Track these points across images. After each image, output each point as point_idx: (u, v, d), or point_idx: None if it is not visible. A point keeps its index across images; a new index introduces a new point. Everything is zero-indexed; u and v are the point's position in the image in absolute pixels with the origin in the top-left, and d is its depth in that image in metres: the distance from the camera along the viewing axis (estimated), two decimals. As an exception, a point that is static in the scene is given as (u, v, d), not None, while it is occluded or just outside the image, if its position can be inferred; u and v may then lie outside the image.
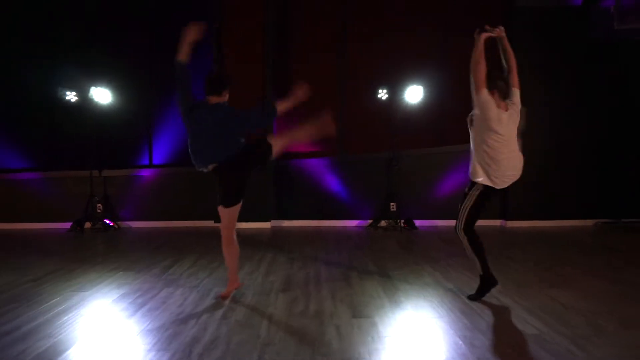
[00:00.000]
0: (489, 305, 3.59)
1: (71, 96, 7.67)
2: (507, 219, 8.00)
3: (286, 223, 8.20)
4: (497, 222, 8.15)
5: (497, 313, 3.43)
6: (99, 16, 8.40)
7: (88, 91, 7.62)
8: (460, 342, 2.88)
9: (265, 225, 7.95)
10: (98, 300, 3.84)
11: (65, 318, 3.34)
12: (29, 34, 8.37)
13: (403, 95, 7.72)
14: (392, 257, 5.45)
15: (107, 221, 7.89)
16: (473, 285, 3.83)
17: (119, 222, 8.10)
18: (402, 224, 7.73)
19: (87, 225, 7.81)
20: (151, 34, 8.48)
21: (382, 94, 7.80)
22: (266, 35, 8.12)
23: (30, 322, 3.25)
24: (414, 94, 7.68)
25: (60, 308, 3.56)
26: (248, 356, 2.68)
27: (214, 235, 7.23)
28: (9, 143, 8.47)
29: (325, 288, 4.14)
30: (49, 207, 8.23)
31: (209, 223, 7.91)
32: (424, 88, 7.69)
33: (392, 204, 7.91)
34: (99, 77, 7.78)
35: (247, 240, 6.62)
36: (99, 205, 8.03)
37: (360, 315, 3.38)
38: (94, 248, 6.42)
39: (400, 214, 7.77)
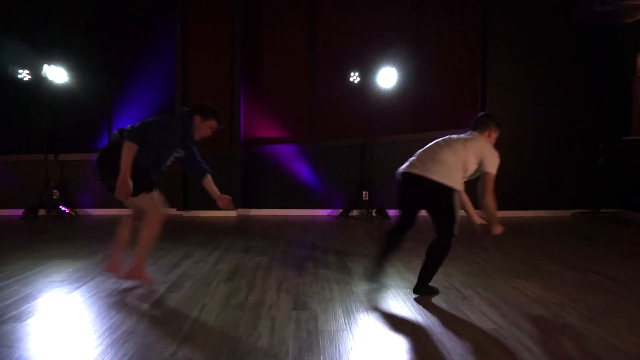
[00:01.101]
0: (448, 298, 3.29)
1: (24, 74, 7.19)
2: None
3: (253, 212, 7.84)
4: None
5: (454, 306, 3.12)
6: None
7: (41, 69, 7.14)
8: (405, 339, 2.56)
9: (231, 214, 7.57)
10: (21, 287, 3.46)
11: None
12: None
13: (376, 78, 7.37)
14: (355, 247, 5.13)
15: (63, 208, 7.46)
16: (435, 278, 3.50)
17: (76, 210, 7.68)
18: (374, 214, 7.42)
19: (42, 212, 7.38)
20: (111, 9, 8.01)
21: (354, 77, 7.46)
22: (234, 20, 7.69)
23: None
24: (387, 78, 7.33)
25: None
26: (160, 353, 2.34)
27: (174, 223, 6.97)
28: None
29: (273, 277, 3.80)
30: (1, 192, 7.77)
31: (171, 211, 7.51)
32: (398, 71, 7.35)
33: (364, 192, 7.60)
34: (53, 55, 7.33)
35: (208, 229, 6.26)
36: (55, 191, 7.59)
37: (301, 308, 3.04)
38: (39, 235, 6.00)
39: (373, 203, 7.46)
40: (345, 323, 2.79)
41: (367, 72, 7.42)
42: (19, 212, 7.36)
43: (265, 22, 8.05)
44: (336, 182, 7.92)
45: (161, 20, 7.95)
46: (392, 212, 7.51)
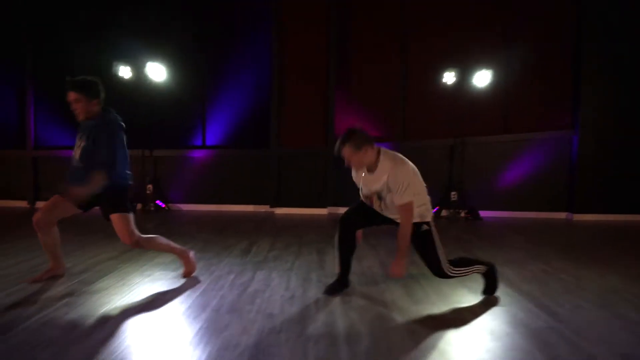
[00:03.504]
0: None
1: (126, 71, 7.37)
2: (574, 212, 7.62)
3: (342, 210, 7.85)
4: (562, 215, 7.78)
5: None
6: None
7: (143, 66, 7.31)
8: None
9: (322, 211, 7.62)
10: (194, 282, 3.55)
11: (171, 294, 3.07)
12: (84, 6, 8.11)
13: (466, 79, 7.32)
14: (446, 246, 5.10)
15: (159, 202, 7.63)
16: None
17: (169, 204, 7.84)
18: (465, 215, 7.38)
19: (138, 206, 7.55)
20: (208, 9, 8.15)
21: (445, 78, 7.40)
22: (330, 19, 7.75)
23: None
24: (478, 79, 7.28)
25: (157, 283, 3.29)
26: (399, 343, 2.37)
27: (274, 220, 7.06)
28: (56, 119, 8.23)
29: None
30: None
31: (264, 207, 7.63)
32: (488, 72, 7.29)
33: (452, 193, 7.57)
34: (153, 53, 7.50)
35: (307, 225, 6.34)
36: (149, 186, 7.76)
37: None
38: (155, 230, 6.15)
39: (464, 203, 7.42)
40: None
41: (457, 73, 7.37)
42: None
43: (358, 22, 8.08)
44: (426, 181, 7.89)
45: (256, 18, 8.06)
46: (483, 213, 7.47)
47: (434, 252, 3.03)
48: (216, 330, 2.51)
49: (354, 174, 3.26)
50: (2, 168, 8.26)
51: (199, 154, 8.08)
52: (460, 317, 2.78)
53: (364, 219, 3.24)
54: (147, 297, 3.10)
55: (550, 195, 7.82)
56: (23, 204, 8.24)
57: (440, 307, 2.98)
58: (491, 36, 7.92)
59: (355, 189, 3.34)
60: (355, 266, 3.71)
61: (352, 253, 3.26)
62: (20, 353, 2.20)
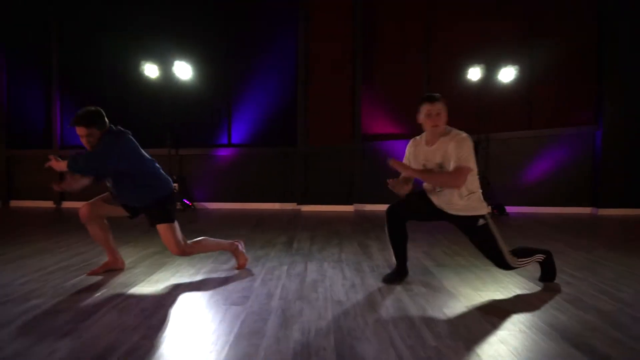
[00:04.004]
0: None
1: (153, 70, 7.44)
2: (599, 207, 7.65)
3: (368, 207, 7.92)
4: (587, 210, 7.82)
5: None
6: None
7: (170, 65, 7.38)
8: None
9: (348, 208, 7.67)
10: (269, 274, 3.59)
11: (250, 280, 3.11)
12: (110, 6, 8.19)
13: (490, 75, 7.38)
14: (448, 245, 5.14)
15: (186, 200, 7.68)
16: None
17: (194, 203, 7.89)
18: (492, 210, 7.41)
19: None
20: (235, 11, 8.22)
21: (473, 74, 7.46)
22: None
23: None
24: (502, 75, 7.36)
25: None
26: (476, 324, 2.41)
27: (303, 217, 7.11)
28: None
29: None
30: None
31: (291, 205, 7.67)
32: (512, 69, 7.35)
33: (477, 189, 7.60)
34: (180, 51, 7.57)
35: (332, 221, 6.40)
36: (175, 184, 7.78)
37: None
38: (191, 228, 6.20)
39: (491, 199, 7.45)
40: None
41: (481, 69, 7.43)
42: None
43: (383, 17, 8.16)
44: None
45: (281, 17, 8.13)
46: (508, 209, 7.50)
47: (495, 245, 3.02)
48: (293, 316, 2.55)
49: (410, 153, 3.23)
50: (29, 168, 8.32)
51: (224, 152, 8.13)
52: (528, 302, 2.82)
53: (409, 210, 3.24)
54: (211, 287, 3.14)
55: (574, 191, 7.85)
56: (49, 204, 8.30)
57: (504, 293, 3.01)
58: (515, 33, 7.97)
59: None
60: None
61: (404, 242, 3.28)
62: (112, 335, 2.24)
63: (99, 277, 3.36)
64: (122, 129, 3.33)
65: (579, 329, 2.37)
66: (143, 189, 3.32)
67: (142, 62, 7.39)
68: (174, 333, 2.30)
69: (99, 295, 2.93)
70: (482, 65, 7.38)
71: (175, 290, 3.05)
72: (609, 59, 7.65)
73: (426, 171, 3.11)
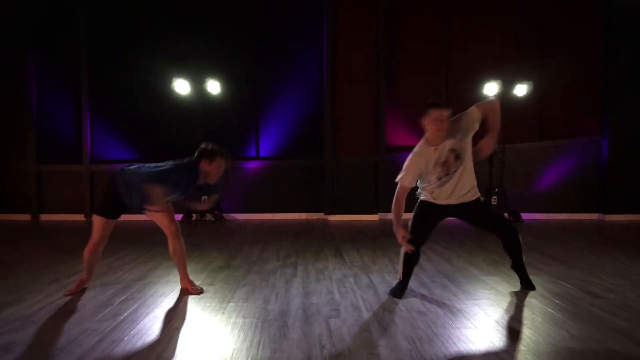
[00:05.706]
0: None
1: (184, 86, 7.74)
2: (605, 213, 8.15)
3: (390, 215, 8.29)
4: (594, 216, 8.31)
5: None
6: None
7: (200, 81, 7.70)
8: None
9: (373, 217, 8.06)
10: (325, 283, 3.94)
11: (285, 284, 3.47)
12: (141, 22, 8.47)
13: (504, 89, 7.84)
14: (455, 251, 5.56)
15: (217, 212, 7.99)
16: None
17: (224, 214, 8.20)
18: (508, 217, 7.85)
19: (194, 216, 7.90)
20: (262, 27, 8.56)
21: (490, 89, 7.89)
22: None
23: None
24: (520, 90, 7.82)
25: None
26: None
27: (332, 226, 7.48)
28: (112, 133, 8.58)
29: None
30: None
31: (317, 215, 8.02)
32: (525, 83, 7.82)
33: (493, 197, 8.04)
34: (210, 66, 7.89)
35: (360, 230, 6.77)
36: (204, 197, 8.09)
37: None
38: (227, 237, 6.52)
39: (506, 207, 7.90)
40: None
41: (497, 85, 7.87)
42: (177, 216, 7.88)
43: (405, 33, 8.57)
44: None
45: (307, 33, 8.49)
46: (524, 216, 7.96)
47: (496, 210, 3.47)
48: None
49: (422, 164, 3.45)
50: (60, 182, 8.54)
51: (252, 164, 8.47)
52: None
53: (429, 231, 3.65)
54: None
55: (582, 197, 8.35)
56: (80, 217, 8.53)
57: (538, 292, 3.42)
58: (528, 50, 8.44)
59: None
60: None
61: (415, 265, 3.68)
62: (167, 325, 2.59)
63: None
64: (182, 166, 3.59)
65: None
66: None
67: (173, 78, 7.69)
68: (218, 338, 2.65)
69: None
70: (497, 81, 7.84)
71: (227, 297, 3.39)
72: (613, 73, 8.16)
73: (492, 128, 3.47)
